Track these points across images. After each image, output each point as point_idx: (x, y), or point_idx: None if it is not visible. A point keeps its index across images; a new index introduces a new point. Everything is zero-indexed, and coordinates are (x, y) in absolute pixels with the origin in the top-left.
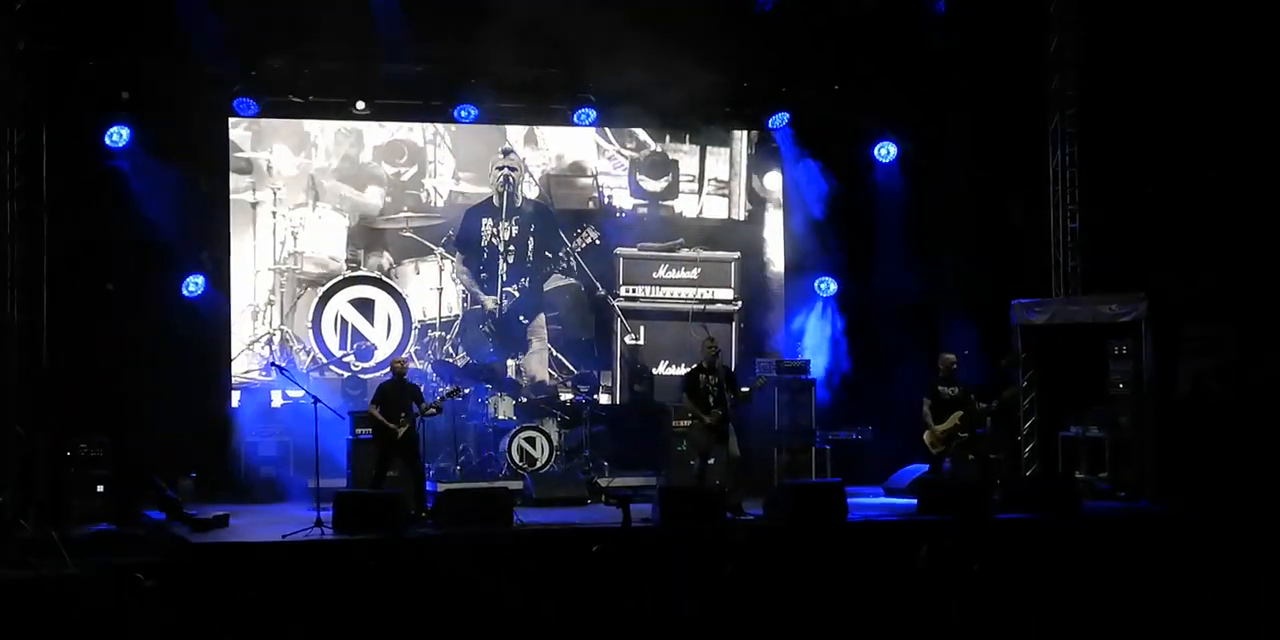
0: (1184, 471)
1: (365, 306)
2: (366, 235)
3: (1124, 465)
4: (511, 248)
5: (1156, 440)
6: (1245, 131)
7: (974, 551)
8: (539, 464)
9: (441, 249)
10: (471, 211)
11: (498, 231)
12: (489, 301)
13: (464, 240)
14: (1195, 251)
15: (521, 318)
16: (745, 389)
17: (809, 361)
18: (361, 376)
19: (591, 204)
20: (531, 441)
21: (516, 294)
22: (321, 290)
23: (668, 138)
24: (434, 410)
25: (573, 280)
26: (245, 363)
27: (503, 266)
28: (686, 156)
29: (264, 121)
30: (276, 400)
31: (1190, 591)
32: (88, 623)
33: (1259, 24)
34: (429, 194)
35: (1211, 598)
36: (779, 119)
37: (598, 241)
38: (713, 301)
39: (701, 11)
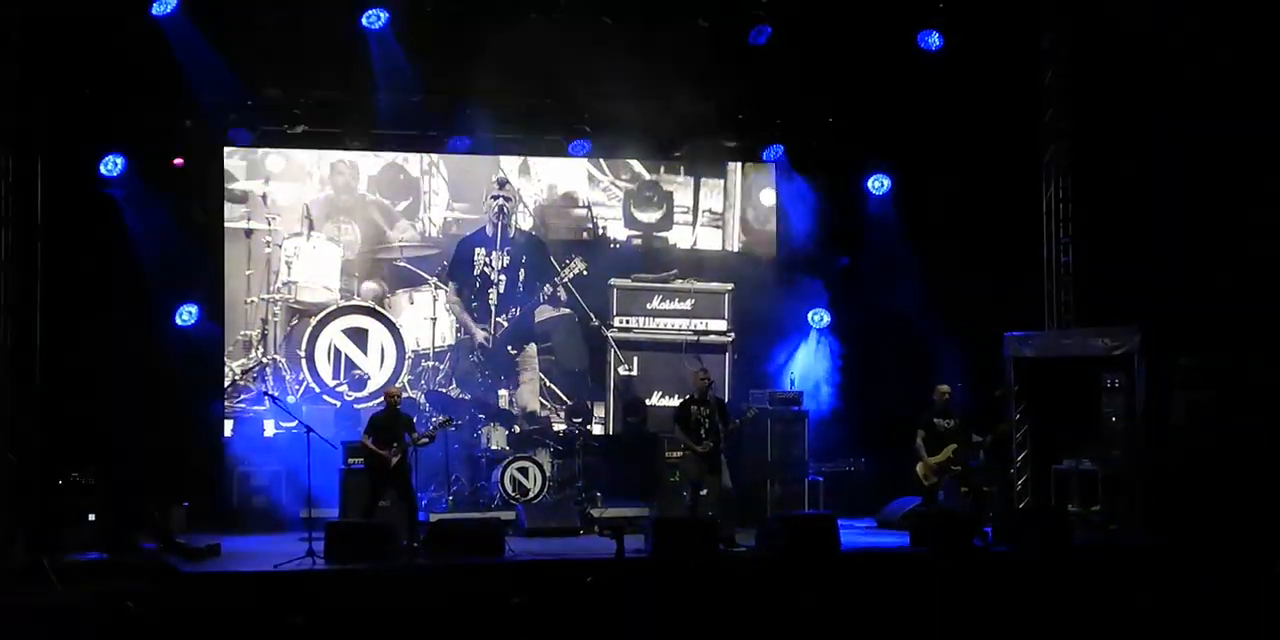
0: (1177, 505)
1: (359, 336)
2: (361, 265)
3: (1117, 498)
4: (502, 277)
5: (1149, 473)
6: (1239, 161)
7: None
8: (531, 494)
9: (436, 279)
10: (464, 241)
11: (490, 261)
12: (479, 332)
13: (456, 270)
14: (1189, 283)
15: (510, 348)
16: (738, 420)
17: (802, 393)
18: (355, 406)
19: (585, 235)
20: (524, 471)
21: (506, 324)
22: (315, 320)
23: (662, 169)
24: (426, 440)
25: (567, 310)
26: (238, 392)
27: (493, 296)
28: (681, 188)
29: (259, 151)
30: (269, 430)
31: (1180, 625)
32: None
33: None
34: (424, 224)
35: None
36: (774, 151)
37: (585, 271)
38: (706, 333)
39: (697, 44)
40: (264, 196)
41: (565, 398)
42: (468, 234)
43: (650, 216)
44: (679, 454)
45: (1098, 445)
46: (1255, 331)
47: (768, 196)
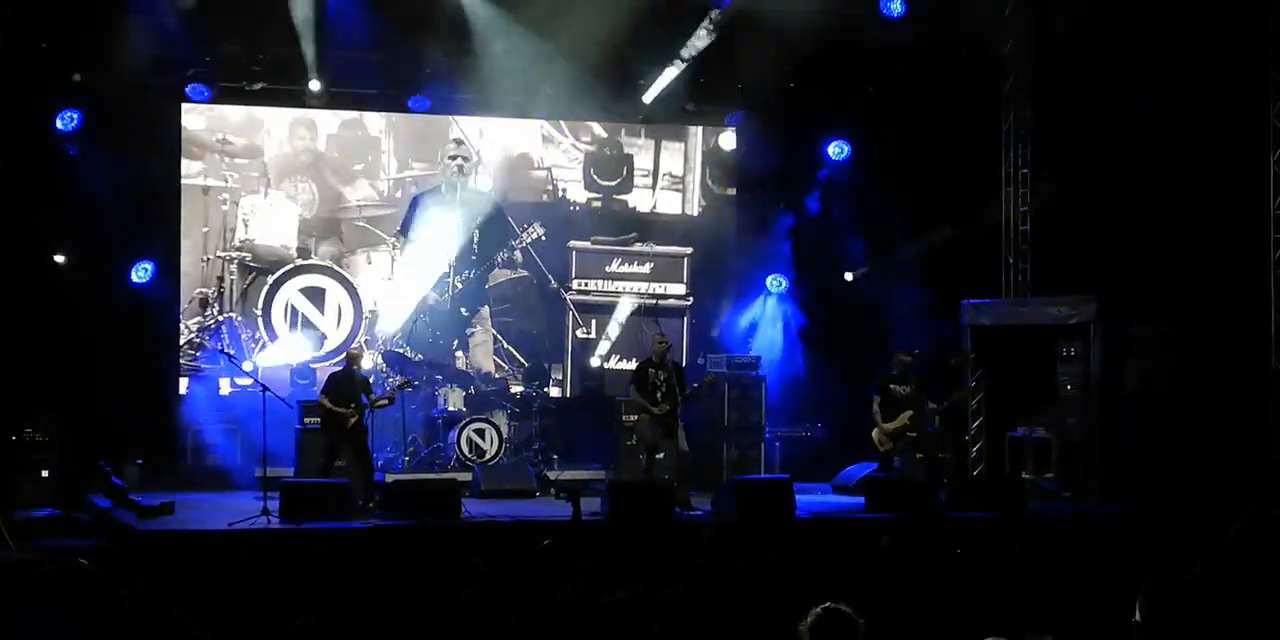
0: (1130, 471)
1: (316, 295)
2: (318, 224)
3: (1071, 466)
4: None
5: (1103, 441)
6: (1198, 132)
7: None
8: (488, 456)
9: (393, 239)
10: (418, 199)
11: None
12: (430, 295)
13: (409, 225)
14: (1144, 253)
15: (463, 310)
16: (695, 385)
17: (759, 358)
18: (311, 365)
19: (545, 196)
20: (481, 433)
21: (459, 285)
22: (272, 278)
23: (623, 132)
24: (385, 402)
25: (524, 272)
26: (193, 350)
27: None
28: (641, 151)
29: (217, 107)
30: (225, 388)
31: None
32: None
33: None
34: (382, 183)
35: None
36: (735, 116)
37: (543, 237)
38: (664, 296)
39: (658, 7)
40: (221, 154)
41: (522, 360)
42: (423, 192)
43: (610, 179)
44: (635, 417)
45: (1052, 413)
46: (1207, 301)
47: (728, 161)
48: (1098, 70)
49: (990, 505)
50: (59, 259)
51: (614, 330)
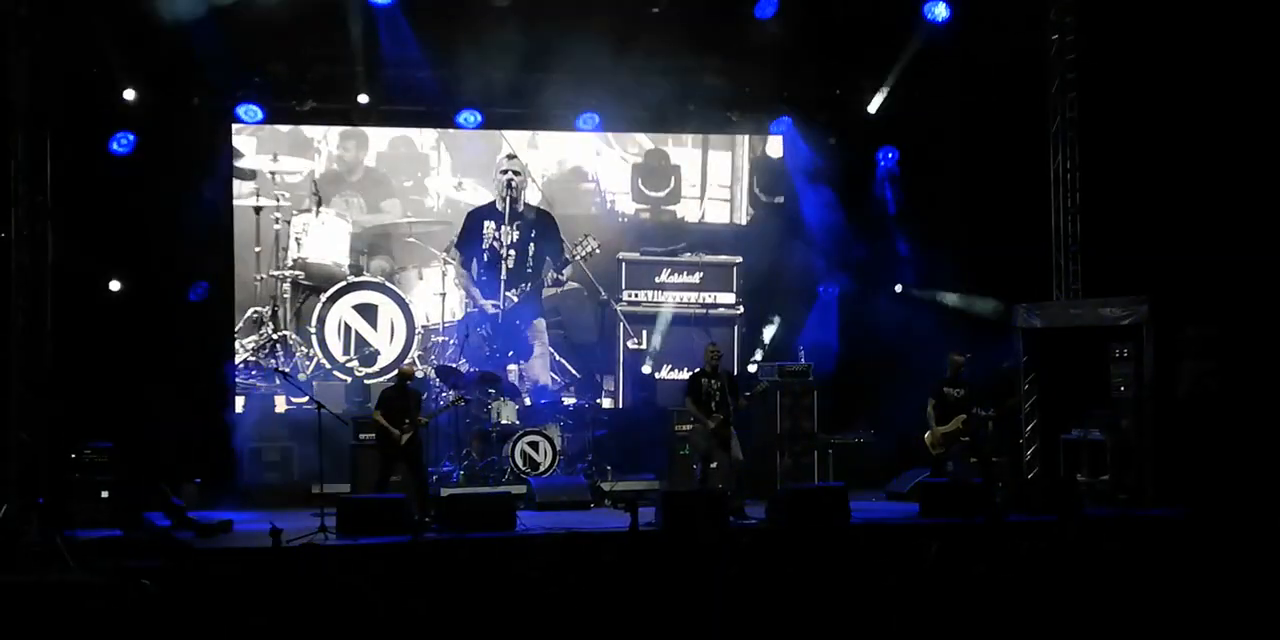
0: (1184, 474)
1: (368, 312)
2: (370, 241)
3: (1125, 468)
4: (512, 252)
5: (1157, 443)
6: (1246, 131)
7: (979, 554)
8: (542, 468)
9: (445, 255)
10: (474, 213)
11: (499, 236)
12: (488, 305)
13: (464, 242)
14: (1196, 253)
15: (519, 322)
16: (748, 393)
17: (811, 365)
18: (365, 382)
19: (594, 209)
20: (535, 446)
21: (516, 299)
22: (325, 296)
23: (670, 142)
24: (425, 421)
25: (576, 285)
26: (249, 369)
27: (503, 270)
28: (688, 161)
29: (267, 127)
30: (280, 406)
31: (1192, 595)
32: (92, 628)
33: (1259, 24)
34: (432, 199)
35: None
36: (781, 124)
37: (598, 251)
38: (715, 306)
39: (704, 17)
40: (272, 173)
41: (575, 371)
42: (477, 205)
43: (658, 190)
44: (688, 427)
45: (1106, 415)
46: (1259, 300)
47: (775, 169)
48: (1143, 72)
49: (1046, 508)
50: (115, 283)
51: (657, 341)
